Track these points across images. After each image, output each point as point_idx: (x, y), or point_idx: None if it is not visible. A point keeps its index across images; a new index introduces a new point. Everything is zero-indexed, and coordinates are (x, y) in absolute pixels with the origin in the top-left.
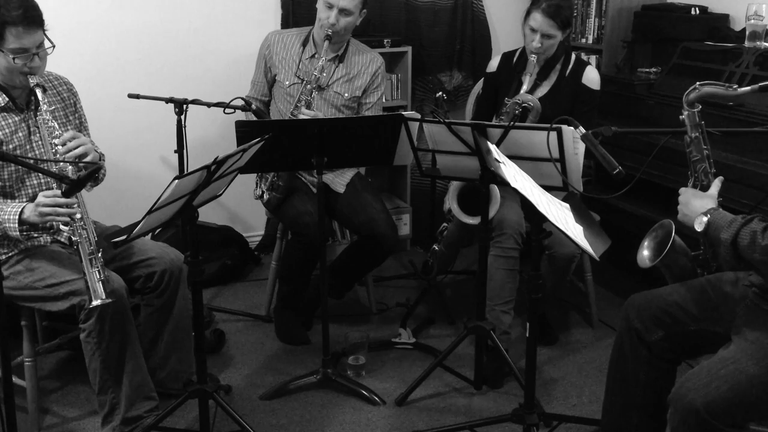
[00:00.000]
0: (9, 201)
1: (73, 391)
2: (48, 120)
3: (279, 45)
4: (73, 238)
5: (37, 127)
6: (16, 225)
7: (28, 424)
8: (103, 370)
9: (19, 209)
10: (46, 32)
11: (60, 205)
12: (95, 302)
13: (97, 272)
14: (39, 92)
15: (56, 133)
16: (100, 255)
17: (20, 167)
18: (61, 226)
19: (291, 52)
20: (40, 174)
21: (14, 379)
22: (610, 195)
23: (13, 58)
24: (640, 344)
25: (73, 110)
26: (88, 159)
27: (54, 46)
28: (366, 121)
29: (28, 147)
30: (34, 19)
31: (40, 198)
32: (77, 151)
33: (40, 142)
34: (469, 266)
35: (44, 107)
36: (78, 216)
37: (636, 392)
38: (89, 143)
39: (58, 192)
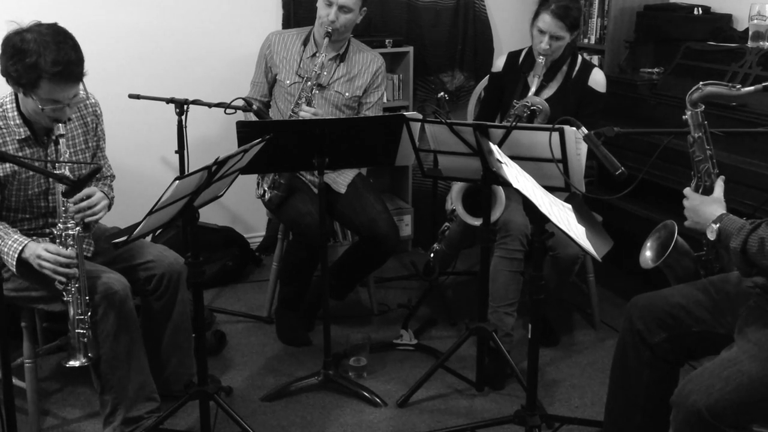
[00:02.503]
0: (11, 231)
1: (73, 393)
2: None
3: (280, 45)
4: (65, 298)
5: (54, 167)
6: (14, 263)
7: (28, 426)
8: (105, 371)
9: (21, 247)
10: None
11: (60, 264)
12: (72, 362)
13: (81, 333)
14: (62, 142)
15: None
16: (88, 317)
17: (27, 191)
18: (56, 284)
19: (292, 52)
20: (48, 199)
21: (14, 380)
22: (613, 196)
23: (42, 108)
24: (642, 346)
25: (93, 134)
26: (94, 218)
27: (89, 97)
28: (368, 122)
29: (42, 180)
30: (72, 76)
31: (43, 252)
32: (86, 213)
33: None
34: (471, 267)
35: (63, 159)
36: (75, 275)
37: (638, 394)
38: (102, 201)
39: (62, 250)
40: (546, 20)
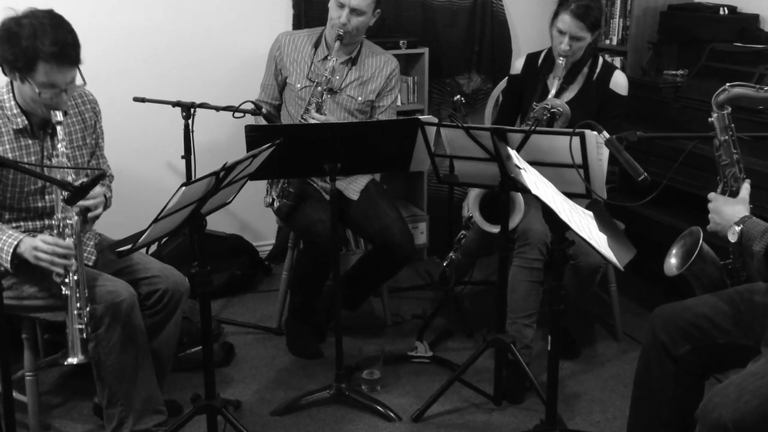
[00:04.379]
0: (6, 215)
1: (76, 407)
2: (63, 162)
3: (290, 46)
4: (63, 291)
5: (50, 159)
6: (10, 258)
7: None
8: (112, 382)
9: (16, 242)
10: (80, 68)
11: (58, 255)
12: (70, 360)
13: (79, 329)
14: (59, 129)
15: (69, 178)
16: (87, 311)
17: (24, 188)
18: (54, 276)
19: (302, 54)
20: (45, 197)
21: (15, 394)
22: (635, 202)
23: (39, 93)
24: (666, 358)
25: (92, 131)
26: (95, 213)
27: (85, 83)
28: (381, 126)
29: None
30: (69, 58)
31: (40, 243)
32: (85, 203)
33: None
34: (488, 276)
35: (61, 148)
36: (73, 268)
37: (662, 408)
38: (100, 196)
39: (60, 241)
40: (566, 20)
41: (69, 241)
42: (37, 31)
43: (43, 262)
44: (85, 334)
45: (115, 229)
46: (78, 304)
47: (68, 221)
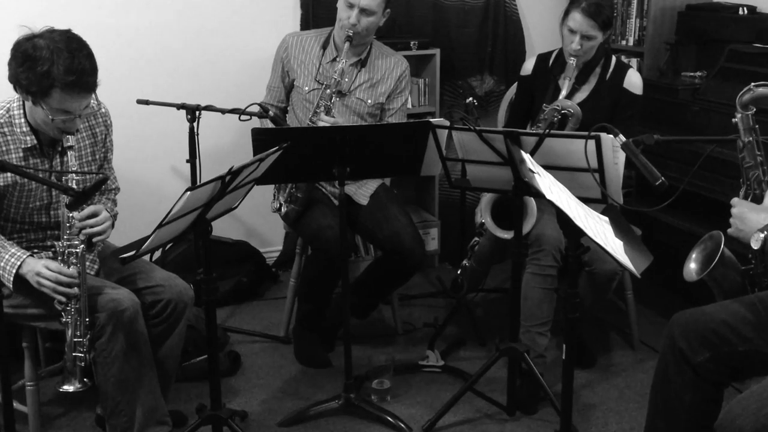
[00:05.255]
0: (8, 245)
1: (78, 418)
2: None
3: (297, 48)
4: (63, 319)
5: (60, 180)
6: (12, 278)
7: None
8: (115, 393)
9: (19, 262)
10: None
11: (61, 284)
12: (66, 387)
13: (79, 358)
14: (70, 155)
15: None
16: (86, 340)
17: (29, 204)
18: (56, 304)
19: (310, 56)
20: (50, 214)
21: (15, 404)
22: (653, 208)
23: (52, 119)
24: (684, 366)
25: (102, 145)
26: (100, 239)
27: (100, 106)
28: (391, 129)
29: (45, 194)
30: (85, 87)
31: (43, 269)
32: (91, 230)
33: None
34: (501, 284)
35: (70, 169)
36: (76, 296)
37: (680, 418)
38: (108, 221)
39: (64, 269)
40: (577, 19)
41: (73, 270)
42: (54, 56)
43: (45, 288)
44: (83, 363)
45: (118, 234)
46: (78, 333)
47: (73, 250)
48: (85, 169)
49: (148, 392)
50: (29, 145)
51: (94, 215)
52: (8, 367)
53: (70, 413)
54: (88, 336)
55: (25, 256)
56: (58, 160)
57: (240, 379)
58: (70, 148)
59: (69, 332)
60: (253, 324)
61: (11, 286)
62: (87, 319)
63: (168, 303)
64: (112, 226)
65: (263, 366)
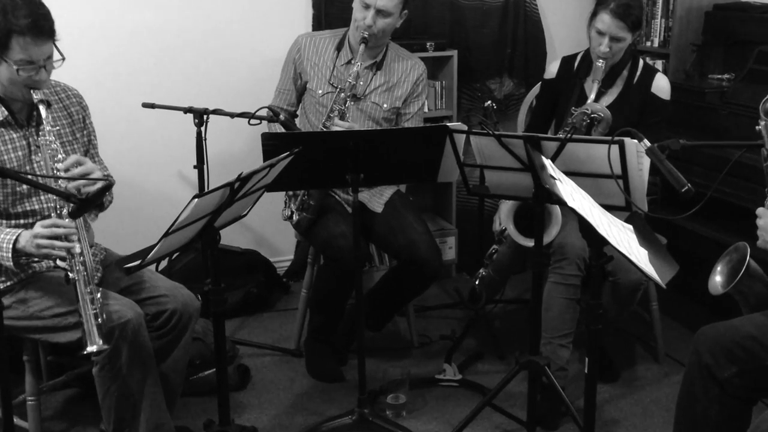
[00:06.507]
0: (4, 223)
1: None
2: (50, 141)
3: (311, 49)
4: (70, 275)
5: (38, 147)
6: (10, 255)
7: None
8: (118, 407)
9: (14, 237)
10: (56, 43)
11: (58, 237)
12: (90, 348)
13: (94, 315)
14: (42, 108)
15: (59, 156)
16: (99, 296)
17: (16, 188)
18: (58, 261)
19: (324, 58)
20: (40, 196)
21: (15, 419)
22: (678, 215)
23: (17, 70)
24: (711, 381)
25: (81, 126)
26: (93, 189)
27: (64, 59)
28: (407, 134)
29: (28, 167)
30: (43, 30)
31: (38, 228)
32: (81, 181)
33: (42, 163)
34: (520, 294)
35: (47, 127)
36: (77, 250)
37: None
38: (97, 170)
39: (57, 221)
40: (605, 20)
41: (68, 221)
42: (7, 6)
43: (45, 248)
44: (100, 320)
45: (122, 243)
46: (88, 289)
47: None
48: (67, 147)
49: (153, 407)
50: (0, 119)
51: (78, 164)
52: (9, 381)
53: (73, 429)
54: (99, 292)
55: (20, 231)
56: (35, 134)
57: (249, 394)
58: (41, 102)
59: (79, 288)
60: (263, 336)
61: (11, 263)
62: (95, 272)
63: (173, 313)
64: (103, 209)
65: (274, 380)
